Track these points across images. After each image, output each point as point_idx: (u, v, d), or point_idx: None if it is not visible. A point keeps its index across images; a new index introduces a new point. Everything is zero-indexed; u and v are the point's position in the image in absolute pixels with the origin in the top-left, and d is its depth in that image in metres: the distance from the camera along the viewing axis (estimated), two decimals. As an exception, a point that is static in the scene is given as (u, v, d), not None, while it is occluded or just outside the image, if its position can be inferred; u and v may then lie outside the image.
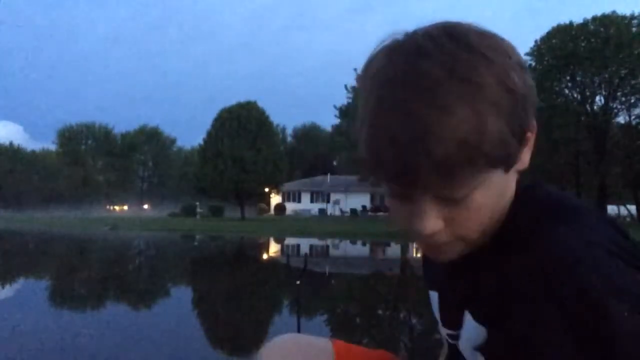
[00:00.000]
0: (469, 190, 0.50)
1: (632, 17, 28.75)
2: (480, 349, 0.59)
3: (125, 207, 71.77)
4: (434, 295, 0.73)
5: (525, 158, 0.55)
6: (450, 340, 0.69)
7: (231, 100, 56.75)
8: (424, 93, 0.47)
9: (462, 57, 0.48)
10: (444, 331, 0.70)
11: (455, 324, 0.64)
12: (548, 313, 0.47)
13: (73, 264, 11.66)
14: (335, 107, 39.19)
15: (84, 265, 11.64)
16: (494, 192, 0.53)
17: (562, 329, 0.46)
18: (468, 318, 0.60)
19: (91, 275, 9.53)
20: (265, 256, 14.83)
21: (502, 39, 0.53)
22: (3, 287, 7.68)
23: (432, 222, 0.52)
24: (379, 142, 0.49)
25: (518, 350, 0.51)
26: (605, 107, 30.41)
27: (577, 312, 0.45)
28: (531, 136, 0.55)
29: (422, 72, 0.48)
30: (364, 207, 42.50)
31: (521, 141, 0.52)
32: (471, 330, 0.60)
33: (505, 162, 0.51)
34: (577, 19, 30.51)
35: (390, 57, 0.51)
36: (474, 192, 0.51)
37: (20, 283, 8.31)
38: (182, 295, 7.53)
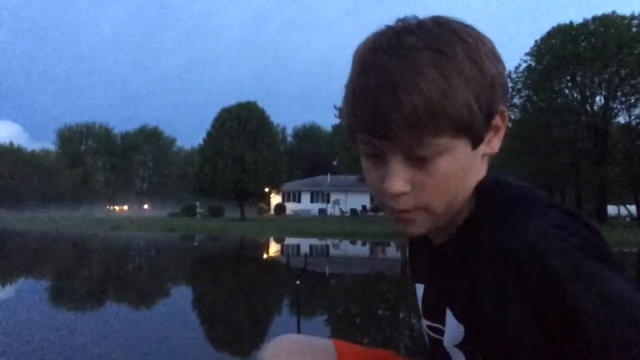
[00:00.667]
0: (434, 153, 0.54)
1: (632, 17, 28.76)
2: (459, 346, 0.61)
3: (125, 207, 71.77)
4: (419, 288, 0.73)
5: (494, 144, 0.59)
6: (431, 334, 0.69)
7: (231, 100, 56.79)
8: (400, 57, 0.53)
9: (441, 35, 0.54)
10: (425, 323, 0.71)
11: (438, 318, 0.65)
12: (516, 299, 0.51)
13: (83, 264, 11.67)
14: (335, 107, 39.21)
15: (93, 265, 11.65)
16: (459, 165, 0.56)
17: (530, 316, 0.51)
18: (449, 315, 0.62)
19: (99, 275, 9.53)
20: (265, 256, 14.83)
21: (483, 34, 0.58)
22: (22, 289, 7.69)
23: (400, 182, 0.55)
24: (357, 97, 0.55)
25: (493, 342, 0.55)
26: (605, 107, 30.41)
27: (542, 296, 0.50)
28: (501, 124, 0.58)
29: (402, 42, 0.54)
30: (364, 207, 42.50)
31: (488, 121, 0.56)
32: (453, 328, 0.61)
33: (470, 132, 0.54)
34: (577, 19, 30.58)
35: (379, 34, 0.57)
36: (439, 157, 0.54)
37: (38, 284, 8.31)
38: (182, 295, 7.53)
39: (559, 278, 0.49)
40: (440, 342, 0.66)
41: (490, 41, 0.58)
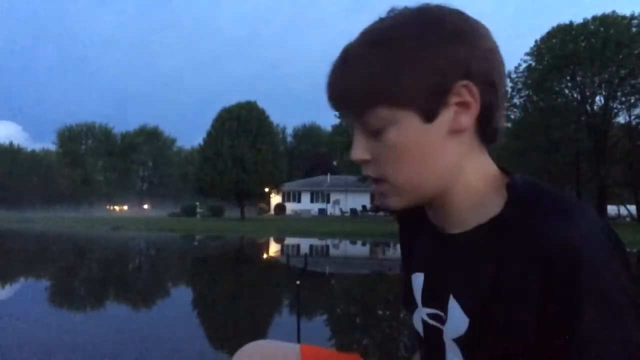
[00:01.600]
0: (380, 124, 0.59)
1: (632, 17, 28.75)
2: (459, 340, 0.60)
3: (125, 207, 71.75)
4: (418, 277, 0.72)
5: (461, 120, 0.59)
6: (430, 322, 0.68)
7: (231, 100, 56.75)
8: (356, 39, 0.62)
9: (399, 17, 0.61)
10: (424, 312, 0.69)
11: (441, 305, 0.65)
12: (534, 302, 0.51)
13: (82, 265, 11.67)
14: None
15: (92, 265, 11.65)
16: (410, 138, 0.59)
17: (537, 322, 0.51)
18: (454, 305, 0.61)
19: (99, 276, 9.54)
20: (265, 256, 14.83)
21: (458, 16, 0.61)
22: (27, 290, 7.69)
23: (359, 150, 0.62)
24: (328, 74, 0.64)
25: (495, 341, 0.55)
26: (605, 107, 30.40)
27: (558, 303, 0.50)
28: (469, 99, 0.58)
29: (366, 28, 0.62)
30: (364, 207, 42.51)
31: (437, 95, 0.58)
32: (456, 319, 0.61)
33: (410, 105, 0.58)
34: (577, 19, 30.56)
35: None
36: (387, 128, 0.59)
37: (42, 285, 8.32)
38: (182, 296, 7.53)
39: (582, 288, 0.49)
40: (438, 332, 0.66)
41: (459, 22, 0.60)
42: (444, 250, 0.65)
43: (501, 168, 0.66)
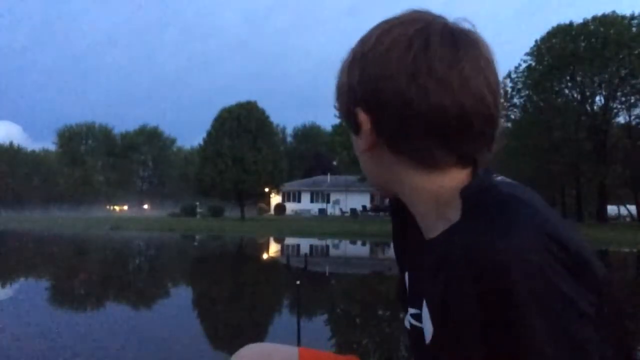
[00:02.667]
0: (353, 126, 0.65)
1: (632, 17, 28.78)
2: (430, 345, 0.61)
3: (125, 207, 71.73)
4: (408, 276, 0.73)
5: (359, 143, 0.65)
6: (414, 322, 0.68)
7: (231, 100, 56.74)
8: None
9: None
10: (410, 312, 0.70)
11: (419, 305, 0.65)
12: (474, 312, 0.50)
13: (81, 265, 11.67)
14: (335, 107, 39.03)
15: (92, 265, 11.65)
16: (356, 143, 0.66)
17: (481, 335, 0.51)
18: (425, 310, 0.62)
19: (99, 276, 9.53)
20: (265, 256, 14.82)
21: (383, 35, 0.62)
22: (28, 289, 7.69)
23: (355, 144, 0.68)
24: None
25: (453, 349, 0.55)
26: (605, 107, 30.42)
27: (496, 317, 0.49)
28: (362, 126, 0.62)
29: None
30: (364, 207, 42.48)
31: (351, 118, 0.64)
32: (427, 325, 0.61)
33: (345, 118, 0.67)
34: (577, 19, 30.57)
35: None
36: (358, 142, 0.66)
37: (39, 285, 8.32)
38: (182, 296, 7.53)
39: (517, 306, 0.48)
40: (420, 331, 0.65)
41: (378, 44, 0.61)
42: (421, 254, 0.66)
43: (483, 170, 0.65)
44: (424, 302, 0.62)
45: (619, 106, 30.50)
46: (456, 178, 0.61)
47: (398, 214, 0.77)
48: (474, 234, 0.52)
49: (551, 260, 0.49)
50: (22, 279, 8.90)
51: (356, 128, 0.64)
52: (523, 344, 0.48)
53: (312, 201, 49.40)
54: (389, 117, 0.59)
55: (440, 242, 0.59)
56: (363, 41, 0.63)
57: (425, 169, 0.61)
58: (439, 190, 0.61)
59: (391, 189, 0.67)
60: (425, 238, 0.66)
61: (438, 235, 0.61)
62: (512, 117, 33.59)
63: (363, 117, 0.61)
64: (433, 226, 0.62)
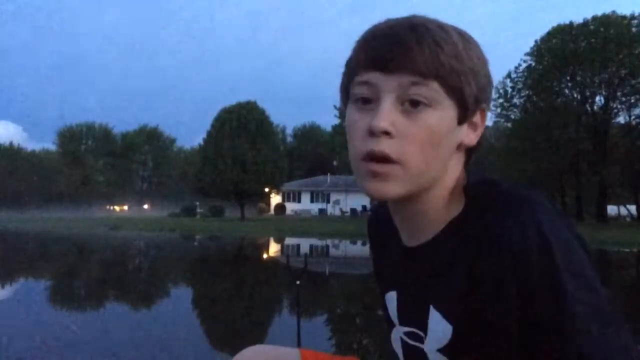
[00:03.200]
0: (426, 100, 0.57)
1: (632, 17, 28.78)
2: (444, 350, 0.60)
3: (125, 207, 71.74)
4: (391, 296, 0.71)
5: (471, 137, 0.62)
6: (409, 341, 0.67)
7: (231, 100, 56.72)
8: (420, 21, 0.61)
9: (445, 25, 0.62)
10: (400, 331, 0.69)
11: (419, 322, 0.64)
12: (510, 296, 0.52)
13: (82, 265, 11.67)
14: (335, 107, 39.27)
15: (92, 265, 11.65)
16: (443, 128, 0.58)
17: (517, 315, 0.53)
18: (435, 315, 0.61)
19: (99, 276, 9.54)
20: (265, 256, 14.82)
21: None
22: (28, 289, 7.69)
23: (388, 120, 0.56)
24: (376, 34, 0.60)
25: (481, 343, 0.56)
26: (605, 107, 30.43)
27: (538, 292, 0.52)
28: (479, 122, 0.63)
29: (414, 21, 0.61)
30: (364, 207, 42.48)
31: (476, 104, 0.60)
32: (438, 330, 0.60)
33: (460, 100, 0.58)
34: (577, 19, 30.57)
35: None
36: (428, 108, 0.57)
37: (41, 284, 8.32)
38: (182, 296, 7.53)
39: (558, 274, 0.51)
40: (418, 350, 0.65)
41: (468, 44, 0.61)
42: (412, 264, 0.65)
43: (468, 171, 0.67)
44: (431, 308, 0.61)
45: (619, 106, 30.52)
46: (458, 171, 0.64)
47: (376, 240, 0.79)
48: (495, 217, 0.55)
49: (570, 231, 0.54)
50: (23, 280, 8.89)
51: (472, 106, 0.60)
52: (560, 307, 0.51)
53: (312, 201, 49.37)
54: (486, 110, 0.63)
55: (447, 238, 0.60)
56: (466, 35, 0.61)
57: (463, 160, 0.65)
58: (454, 184, 0.63)
59: (434, 181, 0.61)
60: (412, 247, 0.66)
61: (441, 232, 0.61)
62: (512, 117, 33.60)
63: (484, 117, 0.63)
64: (430, 229, 0.63)
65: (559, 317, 0.51)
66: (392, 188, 0.58)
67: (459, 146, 0.62)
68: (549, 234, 0.52)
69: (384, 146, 0.57)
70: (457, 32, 0.59)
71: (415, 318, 0.65)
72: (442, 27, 0.59)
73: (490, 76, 0.63)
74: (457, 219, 0.60)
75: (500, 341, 0.55)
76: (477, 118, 0.62)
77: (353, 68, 0.62)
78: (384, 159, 0.57)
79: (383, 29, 0.60)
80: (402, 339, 0.69)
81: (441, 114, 0.57)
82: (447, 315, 0.59)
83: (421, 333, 0.64)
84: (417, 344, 0.65)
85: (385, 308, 0.74)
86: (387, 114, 0.57)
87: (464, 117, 0.60)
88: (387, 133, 0.56)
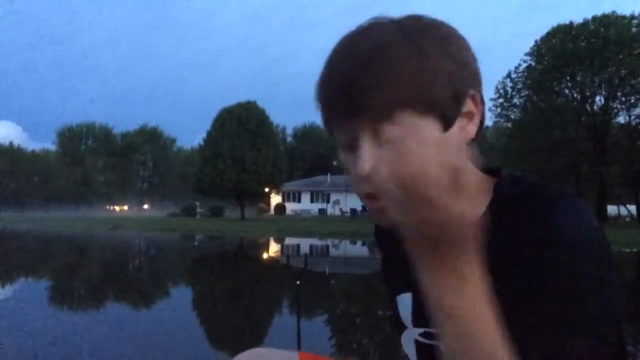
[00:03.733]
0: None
1: (632, 17, 28.76)
2: None
3: (125, 207, 71.78)
4: (405, 298, 0.70)
5: (469, 130, 0.59)
6: (425, 341, 0.66)
7: (231, 100, 56.72)
8: (369, 40, 0.57)
9: (409, 23, 0.58)
10: (415, 332, 0.68)
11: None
12: (533, 287, 0.52)
13: (84, 265, 11.67)
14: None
15: (92, 265, 11.65)
16: (455, 137, 0.57)
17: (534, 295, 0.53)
18: None
19: (99, 276, 9.53)
20: (265, 256, 14.83)
21: (455, 29, 0.61)
22: (28, 288, 7.69)
23: (371, 161, 0.55)
24: (330, 81, 0.57)
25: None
26: (605, 107, 30.41)
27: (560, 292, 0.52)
28: (474, 110, 0.59)
29: (370, 30, 0.60)
30: (364, 207, 42.41)
31: (457, 103, 0.57)
32: None
33: (436, 111, 0.55)
34: (577, 19, 30.57)
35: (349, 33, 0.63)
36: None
37: (42, 284, 8.32)
38: (183, 296, 7.53)
39: (586, 278, 0.51)
40: (435, 348, 0.63)
41: (461, 36, 0.60)
42: None
43: (484, 168, 0.66)
44: None
45: (619, 106, 30.49)
46: (475, 168, 0.63)
47: (383, 238, 0.78)
48: (528, 214, 0.55)
49: (601, 235, 0.54)
50: (23, 280, 8.90)
51: (463, 113, 0.58)
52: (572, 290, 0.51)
53: (312, 201, 49.38)
54: (483, 102, 0.60)
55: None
56: (443, 26, 0.59)
57: (469, 152, 0.63)
58: (475, 181, 0.62)
59: None
60: None
61: None
62: (512, 117, 33.61)
63: (478, 102, 0.59)
64: None
65: (568, 319, 0.51)
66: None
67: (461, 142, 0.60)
68: (579, 235, 0.52)
69: (374, 186, 0.56)
70: (416, 38, 0.55)
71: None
72: (401, 42, 0.55)
73: (468, 56, 0.59)
74: (481, 218, 0.57)
75: (525, 338, 0.53)
76: (469, 106, 0.59)
77: (321, 113, 0.60)
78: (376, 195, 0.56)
79: (337, 65, 0.57)
80: (416, 341, 0.68)
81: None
82: None
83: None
84: (434, 342, 0.64)
85: (395, 310, 0.73)
86: (368, 158, 0.55)
87: (450, 121, 0.57)
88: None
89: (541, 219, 0.54)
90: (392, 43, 0.54)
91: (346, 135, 0.58)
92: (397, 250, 0.72)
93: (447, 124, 0.57)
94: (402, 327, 0.71)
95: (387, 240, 0.77)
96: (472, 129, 0.59)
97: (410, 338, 0.69)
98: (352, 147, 0.58)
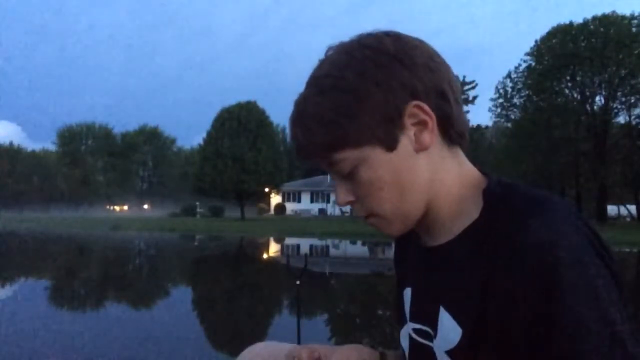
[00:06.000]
0: (348, 166, 0.60)
1: (632, 17, 28.78)
2: (452, 352, 0.59)
3: (125, 207, 71.76)
4: (407, 292, 0.72)
5: (423, 139, 0.60)
6: (418, 338, 0.67)
7: (231, 100, 56.70)
8: (305, 89, 0.65)
9: (333, 60, 0.63)
10: (410, 327, 0.69)
11: (429, 320, 0.64)
12: (520, 299, 0.51)
13: (84, 265, 11.66)
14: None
15: (92, 265, 11.64)
16: (383, 170, 0.60)
17: (524, 320, 0.51)
18: (445, 316, 0.60)
19: (99, 276, 9.53)
20: (265, 256, 14.83)
21: (396, 38, 0.61)
22: (28, 289, 7.69)
23: (342, 194, 0.64)
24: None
25: (490, 347, 0.54)
26: (605, 107, 30.41)
27: (537, 296, 0.50)
28: (423, 117, 0.59)
29: (312, 73, 0.65)
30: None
31: (390, 124, 0.58)
32: (448, 331, 0.60)
33: (367, 141, 0.59)
34: (577, 19, 30.58)
35: None
36: (358, 168, 0.60)
37: (42, 284, 8.32)
38: (183, 296, 7.53)
39: (560, 285, 0.49)
40: (425, 348, 0.65)
41: (395, 45, 0.60)
42: (428, 263, 0.65)
43: (480, 171, 0.66)
44: (441, 308, 0.61)
45: (619, 106, 30.50)
46: (471, 171, 0.64)
47: (400, 240, 0.79)
48: (513, 223, 0.54)
49: (587, 240, 0.52)
50: (24, 280, 8.90)
51: (413, 124, 0.59)
52: (565, 319, 0.49)
53: (312, 201, 49.38)
54: (445, 101, 0.61)
55: (465, 241, 0.59)
56: (366, 49, 0.60)
57: (458, 152, 0.64)
58: (466, 185, 0.63)
59: (426, 201, 0.62)
60: (429, 247, 0.66)
61: (459, 235, 0.61)
62: (512, 117, 33.62)
63: (426, 109, 0.59)
64: (448, 229, 0.62)
65: (564, 336, 0.49)
66: (392, 231, 0.65)
67: (422, 152, 0.60)
68: (563, 245, 0.50)
69: (357, 211, 0.64)
70: (325, 86, 0.60)
71: (426, 316, 0.65)
72: (314, 94, 0.61)
73: (398, 74, 0.59)
74: (474, 223, 0.59)
75: (509, 352, 0.53)
76: (415, 117, 0.59)
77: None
78: (366, 216, 0.64)
79: (290, 116, 0.64)
80: (410, 336, 0.69)
81: (368, 163, 0.60)
82: (457, 318, 0.59)
83: (431, 331, 0.63)
84: (425, 341, 0.65)
85: (401, 304, 0.74)
86: (340, 190, 0.64)
87: (392, 141, 0.59)
88: (351, 202, 0.64)
89: (530, 231, 0.52)
90: (308, 97, 0.61)
91: (325, 170, 0.65)
92: (407, 247, 0.75)
93: (390, 145, 0.59)
94: (403, 320, 0.72)
95: (402, 236, 0.78)
96: (426, 137, 0.60)
97: (406, 332, 0.70)
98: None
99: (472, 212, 0.60)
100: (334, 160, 0.60)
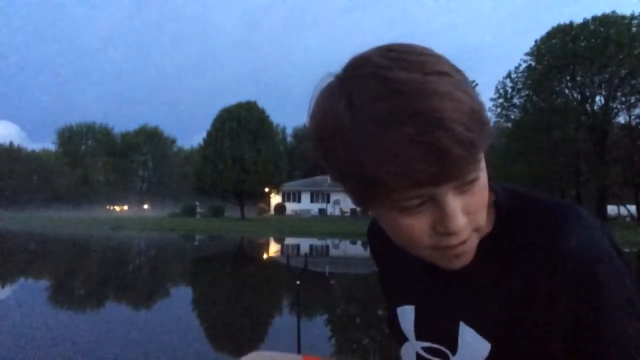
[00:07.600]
0: (480, 169, 0.52)
1: (632, 17, 28.75)
2: None
3: (125, 207, 71.76)
4: (406, 310, 0.69)
5: (482, 174, 0.57)
6: (429, 356, 0.66)
7: (231, 100, 56.71)
8: (416, 89, 0.47)
9: (432, 58, 0.50)
10: (418, 345, 0.67)
11: (445, 338, 0.62)
12: (554, 308, 0.52)
13: (84, 265, 11.66)
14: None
15: (92, 265, 11.65)
16: (486, 181, 0.55)
17: (560, 328, 0.52)
18: (467, 331, 0.59)
19: (99, 276, 9.53)
20: (265, 256, 14.83)
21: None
22: (28, 289, 7.69)
23: (461, 216, 0.51)
24: (391, 151, 0.46)
25: (522, 357, 0.55)
26: (605, 107, 30.40)
27: (580, 304, 0.51)
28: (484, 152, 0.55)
29: (395, 73, 0.49)
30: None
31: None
32: (472, 346, 0.59)
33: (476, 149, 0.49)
34: (577, 19, 30.56)
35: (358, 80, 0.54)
36: (481, 172, 0.52)
37: (42, 284, 8.32)
38: (183, 296, 7.53)
39: (601, 289, 0.50)
40: None
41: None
42: (441, 280, 0.63)
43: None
44: (462, 324, 0.60)
45: (619, 106, 30.48)
46: None
47: (378, 249, 0.77)
48: (537, 234, 0.54)
49: (613, 247, 0.54)
50: (24, 280, 8.90)
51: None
52: (604, 325, 0.51)
53: (312, 201, 49.35)
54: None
55: (484, 254, 0.57)
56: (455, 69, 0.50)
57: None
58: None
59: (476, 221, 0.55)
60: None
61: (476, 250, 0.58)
62: (512, 117, 33.60)
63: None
64: None
65: (601, 342, 0.51)
66: (468, 256, 0.55)
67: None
68: (592, 253, 0.51)
69: (463, 236, 0.52)
70: (455, 70, 0.50)
71: (440, 334, 0.63)
72: (443, 73, 0.48)
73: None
74: (490, 234, 0.58)
75: (544, 358, 0.54)
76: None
77: (383, 187, 0.49)
78: (466, 240, 0.53)
79: (399, 129, 0.46)
80: (418, 354, 0.67)
81: (484, 168, 0.54)
82: (483, 333, 0.58)
83: (445, 350, 0.62)
84: (438, 359, 0.64)
85: (395, 321, 0.72)
86: (457, 211, 0.50)
87: (475, 154, 0.51)
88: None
89: (556, 239, 0.52)
90: (451, 92, 0.47)
91: (419, 197, 0.50)
92: (396, 261, 0.72)
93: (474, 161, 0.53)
94: (402, 338, 0.70)
95: (384, 251, 0.76)
96: (482, 175, 0.55)
97: (411, 351, 0.69)
98: (422, 205, 0.51)
99: (486, 226, 0.58)
100: (477, 167, 0.50)
